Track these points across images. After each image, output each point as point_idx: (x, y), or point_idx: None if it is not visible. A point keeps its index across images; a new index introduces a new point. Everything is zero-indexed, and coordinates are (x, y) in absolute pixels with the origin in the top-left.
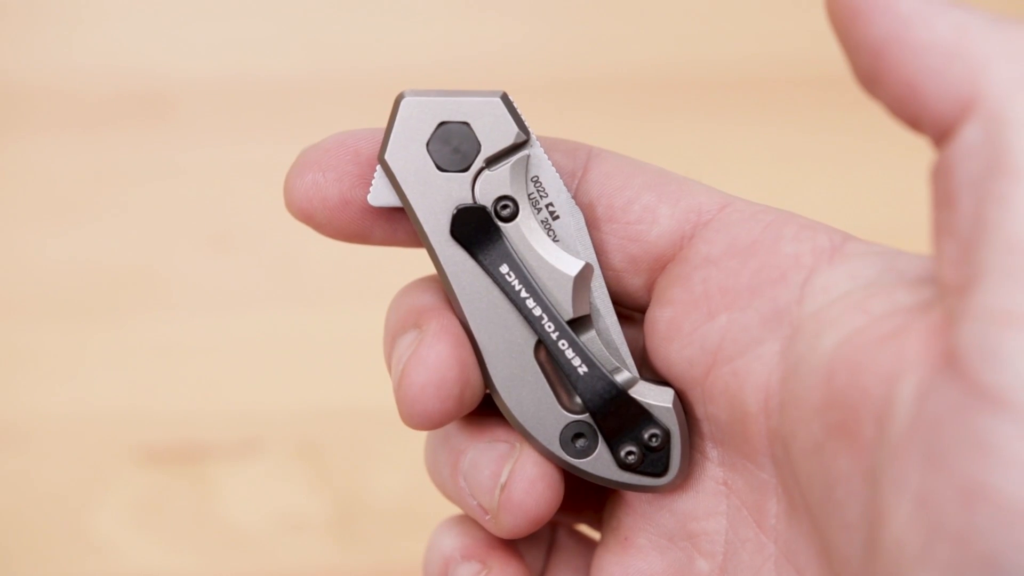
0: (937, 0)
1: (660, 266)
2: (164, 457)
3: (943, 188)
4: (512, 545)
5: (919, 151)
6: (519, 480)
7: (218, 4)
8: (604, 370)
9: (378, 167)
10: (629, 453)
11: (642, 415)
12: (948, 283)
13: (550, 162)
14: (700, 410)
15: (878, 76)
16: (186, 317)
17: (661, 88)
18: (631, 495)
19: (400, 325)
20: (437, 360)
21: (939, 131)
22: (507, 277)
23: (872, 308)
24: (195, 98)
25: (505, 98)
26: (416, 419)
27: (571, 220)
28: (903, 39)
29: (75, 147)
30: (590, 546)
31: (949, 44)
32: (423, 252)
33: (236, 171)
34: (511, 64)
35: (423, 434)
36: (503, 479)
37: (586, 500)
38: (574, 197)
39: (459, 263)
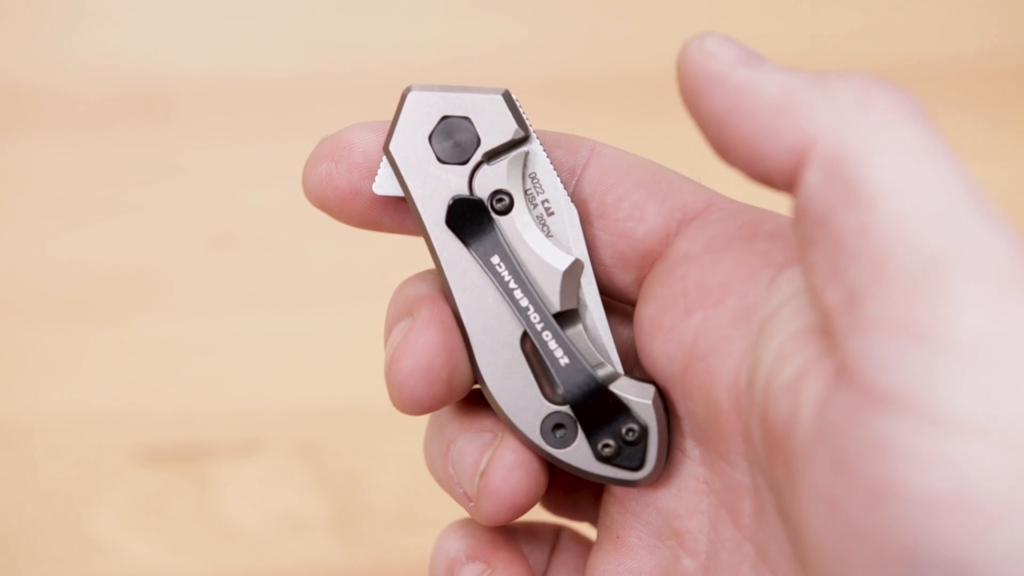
0: (765, 68)
1: (648, 263)
2: (164, 457)
3: (803, 232)
4: (515, 546)
5: None
6: (497, 467)
7: (218, 4)
8: (585, 363)
9: (383, 157)
10: (605, 446)
11: (620, 409)
12: (827, 309)
13: (548, 159)
14: (681, 407)
15: (725, 145)
16: (186, 317)
17: (661, 88)
18: (623, 493)
19: (396, 314)
20: (425, 345)
21: (786, 183)
22: (497, 268)
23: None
24: (195, 98)
25: (507, 95)
26: (405, 403)
27: (566, 217)
28: (738, 107)
29: (75, 147)
30: (591, 549)
31: (777, 104)
32: (423, 253)
33: (236, 171)
34: (511, 64)
35: (422, 434)
36: (482, 466)
37: (587, 500)
38: (572, 193)
39: (453, 252)
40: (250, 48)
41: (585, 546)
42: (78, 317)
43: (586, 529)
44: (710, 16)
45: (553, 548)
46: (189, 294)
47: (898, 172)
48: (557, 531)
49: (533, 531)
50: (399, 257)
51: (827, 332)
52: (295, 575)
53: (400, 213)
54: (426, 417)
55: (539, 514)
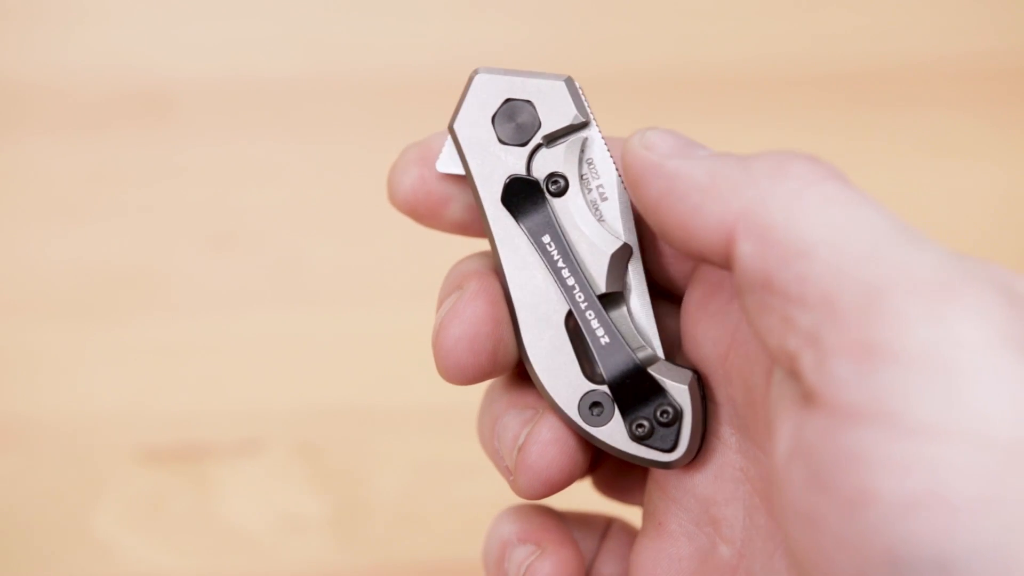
0: (696, 155)
1: None
2: (164, 457)
3: (749, 302)
4: (566, 530)
5: (918, 152)
6: (533, 443)
7: (218, 4)
8: (625, 343)
9: (448, 136)
10: (639, 425)
11: (657, 391)
12: (789, 357)
13: (606, 147)
14: (722, 393)
15: (664, 229)
16: (186, 317)
17: (661, 88)
18: (664, 479)
19: (447, 289)
20: (472, 315)
21: (721, 259)
22: (548, 247)
23: None
24: (195, 98)
25: (569, 82)
26: (450, 371)
27: (619, 203)
28: (671, 191)
29: (75, 147)
30: None
31: (704, 186)
32: (424, 255)
33: (236, 171)
34: (511, 64)
35: (423, 434)
36: (520, 440)
37: (636, 483)
38: None
39: (506, 229)
40: (250, 48)
41: (634, 536)
42: (78, 317)
43: (637, 517)
44: (710, 16)
45: (604, 536)
46: (189, 294)
47: (824, 223)
48: (609, 521)
49: (585, 520)
50: (399, 258)
51: (792, 376)
52: (295, 575)
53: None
54: (426, 418)
55: (593, 500)
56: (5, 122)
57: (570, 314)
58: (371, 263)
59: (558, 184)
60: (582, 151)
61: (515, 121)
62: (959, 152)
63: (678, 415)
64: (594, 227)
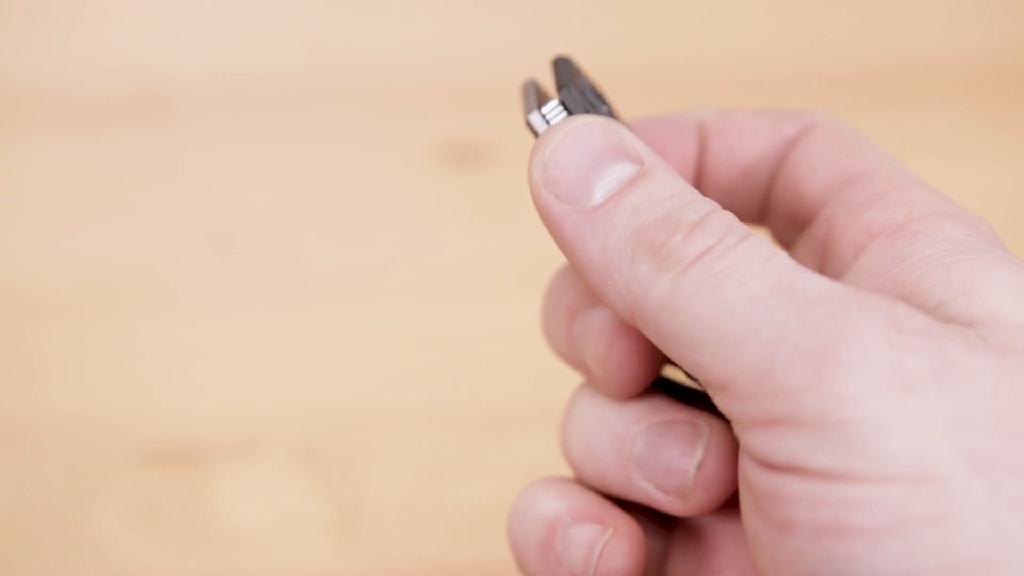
0: (594, 220)
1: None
2: (164, 457)
3: None
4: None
5: (919, 152)
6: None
7: (218, 4)
8: None
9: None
10: None
11: None
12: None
13: None
14: None
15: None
16: (186, 317)
17: (661, 88)
18: None
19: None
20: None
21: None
22: None
23: None
24: (195, 98)
25: (529, 124)
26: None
27: None
28: (573, 258)
29: (75, 147)
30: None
31: (600, 273)
32: (421, 256)
33: (236, 171)
34: (512, 64)
35: (423, 435)
36: (697, 460)
37: None
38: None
39: None
40: (250, 48)
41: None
42: (78, 317)
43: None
44: (710, 16)
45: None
46: (188, 294)
47: (703, 312)
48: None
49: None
50: (399, 258)
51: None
52: None
53: None
54: (426, 419)
55: None
56: (5, 122)
57: None
58: (371, 263)
59: None
60: None
61: None
62: (960, 152)
63: None
64: None
